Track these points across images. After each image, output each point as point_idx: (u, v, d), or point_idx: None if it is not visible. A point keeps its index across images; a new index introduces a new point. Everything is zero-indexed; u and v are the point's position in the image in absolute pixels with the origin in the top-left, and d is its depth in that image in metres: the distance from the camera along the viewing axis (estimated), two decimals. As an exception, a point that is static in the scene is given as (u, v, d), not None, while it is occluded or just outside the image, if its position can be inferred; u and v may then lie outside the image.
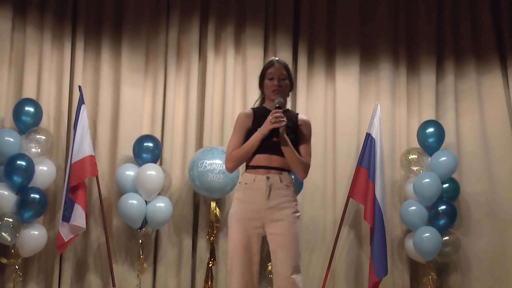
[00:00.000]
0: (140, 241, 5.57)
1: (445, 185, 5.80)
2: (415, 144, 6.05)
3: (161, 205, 5.49)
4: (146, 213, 5.47)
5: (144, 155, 5.60)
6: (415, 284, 6.00)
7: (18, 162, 5.20)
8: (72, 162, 5.32)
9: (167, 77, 5.96)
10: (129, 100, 5.86)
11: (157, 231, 5.72)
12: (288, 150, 3.40)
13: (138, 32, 5.98)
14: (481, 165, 6.11)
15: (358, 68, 6.23)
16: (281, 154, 3.41)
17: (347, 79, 6.20)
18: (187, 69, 6.00)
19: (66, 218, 5.27)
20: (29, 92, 5.63)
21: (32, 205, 5.22)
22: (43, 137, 5.43)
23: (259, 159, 3.43)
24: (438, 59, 6.32)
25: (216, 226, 5.63)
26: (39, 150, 5.40)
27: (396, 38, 6.35)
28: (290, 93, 5.92)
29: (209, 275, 5.56)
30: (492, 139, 6.14)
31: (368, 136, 5.73)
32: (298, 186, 5.65)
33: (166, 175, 5.61)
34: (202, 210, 5.81)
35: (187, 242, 5.74)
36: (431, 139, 5.89)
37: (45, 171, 5.40)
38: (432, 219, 5.71)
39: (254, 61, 5.97)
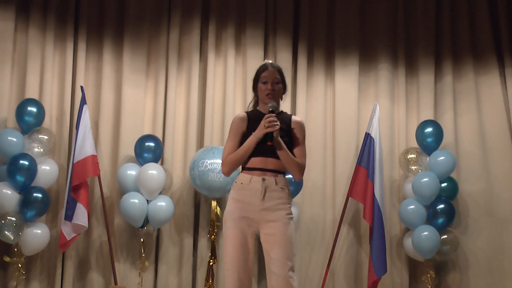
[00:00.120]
0: (142, 240, 5.59)
1: (444, 184, 5.83)
2: (414, 143, 6.08)
3: (162, 204, 5.52)
4: (148, 212, 5.50)
5: (146, 155, 5.63)
6: (414, 282, 6.03)
7: (21, 161, 5.23)
8: (74, 161, 5.36)
9: (168, 78, 5.99)
10: (130, 100, 5.90)
11: (159, 230, 5.75)
12: (283, 153, 3.43)
13: (140, 33, 6.01)
14: (479, 165, 6.15)
15: (357, 68, 6.26)
16: (276, 156, 3.44)
17: (346, 80, 6.24)
18: (188, 70, 6.03)
19: (69, 217, 5.30)
20: (31, 92, 5.66)
21: (34, 204, 5.26)
22: (46, 137, 5.46)
23: (255, 161, 3.46)
24: (436, 60, 6.35)
25: (217, 225, 5.65)
26: (41, 149, 5.43)
27: (395, 39, 6.38)
28: (290, 94, 6.11)
29: (210, 273, 5.59)
30: (490, 138, 6.17)
31: (367, 135, 5.75)
32: (297, 186, 5.71)
33: (167, 174, 5.64)
34: (203, 209, 5.84)
35: (188, 241, 5.77)
36: (430, 138, 5.92)
37: (47, 170, 5.43)
38: (430, 218, 5.73)
39: (255, 62, 5.98)
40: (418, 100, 6.30)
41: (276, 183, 3.45)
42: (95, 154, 5.48)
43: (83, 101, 5.52)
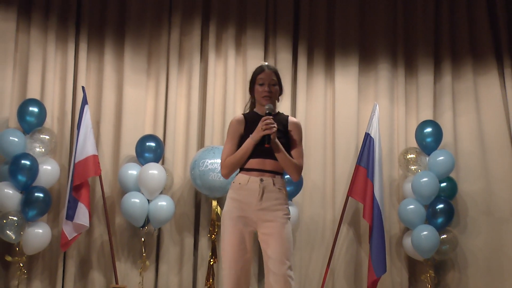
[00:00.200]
0: (143, 239, 5.61)
1: (443, 184, 5.84)
2: (413, 143, 6.11)
3: (163, 203, 5.53)
4: (149, 212, 5.52)
5: (147, 155, 5.65)
6: (413, 281, 6.04)
7: (23, 161, 5.25)
8: (76, 161, 5.37)
9: (169, 78, 6.01)
10: (131, 101, 5.91)
11: (159, 229, 5.77)
12: (280, 155, 3.46)
13: (141, 34, 6.03)
14: (478, 164, 6.17)
15: (357, 69, 6.28)
16: (274, 158, 3.47)
17: (346, 80, 6.26)
18: (188, 70, 6.05)
19: (70, 216, 5.31)
20: (33, 92, 5.69)
21: (36, 203, 5.27)
22: (47, 137, 5.48)
23: (253, 163, 3.49)
24: (435, 60, 6.38)
25: (217, 225, 5.65)
26: (43, 149, 5.45)
27: (395, 40, 6.40)
28: (290, 94, 6.14)
29: (211, 272, 5.60)
30: (489, 138, 6.20)
31: (367, 135, 5.77)
32: (298, 186, 5.73)
33: (168, 174, 5.66)
34: (203, 209, 5.86)
35: (189, 240, 5.79)
36: (429, 138, 5.94)
37: (49, 170, 5.45)
38: (430, 218, 5.75)
39: (255, 62, 5.94)
40: (417, 100, 6.32)
41: (274, 184, 3.48)
42: (96, 154, 5.49)
43: (85, 101, 5.54)
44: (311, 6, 6.34)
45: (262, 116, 3.47)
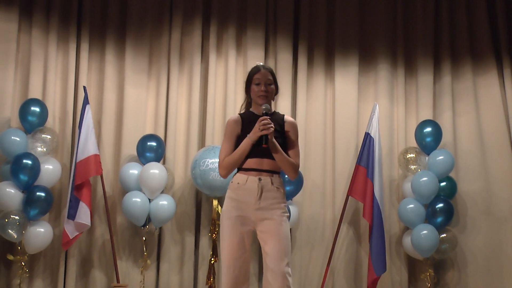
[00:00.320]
0: (144, 238, 5.63)
1: (442, 184, 5.86)
2: (413, 143, 6.13)
3: (164, 203, 5.55)
4: (150, 211, 5.54)
5: (148, 154, 5.67)
6: (413, 280, 6.07)
7: (24, 161, 5.27)
8: (77, 161, 5.39)
9: (170, 78, 6.03)
10: (132, 101, 5.94)
11: (160, 228, 5.79)
12: (278, 154, 3.49)
13: (142, 34, 6.06)
14: (477, 164, 6.19)
15: (357, 69, 6.31)
16: (271, 157, 3.50)
17: (346, 80, 6.28)
18: (189, 70, 6.07)
19: (71, 215, 5.33)
20: (35, 92, 5.71)
21: (38, 203, 5.30)
22: (49, 137, 5.50)
23: (251, 162, 3.52)
24: (435, 60, 6.40)
25: (218, 224, 5.65)
26: (44, 149, 5.47)
27: (394, 40, 6.43)
28: (290, 94, 6.15)
29: (211, 271, 5.63)
30: (488, 138, 6.22)
31: (367, 135, 5.79)
32: (298, 185, 5.75)
33: (169, 173, 5.68)
34: (204, 208, 5.88)
35: (190, 240, 5.81)
36: (429, 138, 5.96)
37: (50, 169, 5.47)
38: (429, 217, 5.77)
39: (255, 62, 5.91)
40: (417, 100, 6.34)
41: (272, 183, 3.51)
42: (98, 153, 5.51)
43: (86, 101, 5.56)
44: (311, 6, 6.37)
45: (259, 116, 3.50)
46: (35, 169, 5.31)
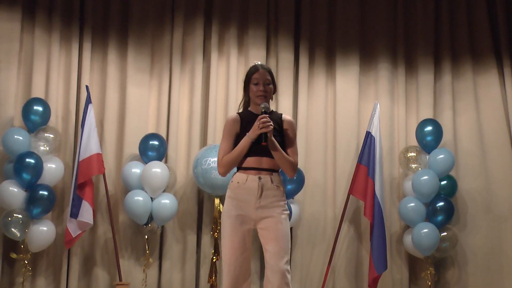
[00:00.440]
0: (146, 237, 5.65)
1: (443, 182, 5.88)
2: (414, 142, 6.15)
3: (166, 201, 5.58)
4: (152, 210, 5.56)
5: (150, 153, 5.69)
6: (413, 278, 6.08)
7: (27, 159, 5.29)
8: (80, 160, 5.41)
9: (172, 77, 6.05)
10: (135, 100, 5.96)
11: (162, 227, 5.81)
12: (277, 153, 3.51)
13: (144, 34, 6.08)
14: (477, 163, 6.21)
15: (357, 68, 6.32)
16: (270, 156, 3.52)
17: (347, 79, 6.30)
18: (191, 70, 6.10)
19: (74, 214, 5.35)
20: (37, 91, 5.73)
21: (40, 201, 5.32)
22: (52, 136, 5.53)
23: (250, 161, 3.54)
24: (435, 60, 6.42)
25: (220, 222, 5.65)
26: (47, 148, 5.49)
27: (395, 39, 6.44)
28: (291, 93, 6.17)
29: (213, 269, 5.65)
30: (488, 137, 6.24)
31: (368, 134, 5.81)
32: (299, 184, 5.77)
33: (171, 172, 5.70)
34: (206, 207, 5.90)
35: (192, 238, 5.84)
36: (429, 137, 5.98)
37: (53, 168, 5.49)
38: (430, 216, 5.79)
39: (256, 62, 6.03)
40: (417, 99, 6.36)
41: (272, 182, 3.53)
42: (100, 152, 5.54)
43: (88, 100, 5.58)
44: (312, 6, 6.39)
45: (257, 115, 3.51)
46: (38, 168, 5.33)
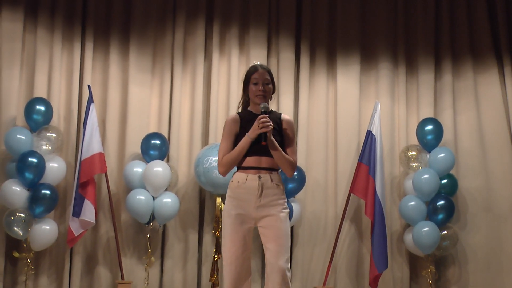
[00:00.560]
0: (148, 236, 5.67)
1: (443, 181, 5.89)
2: (414, 141, 6.16)
3: (168, 200, 5.59)
4: (154, 209, 5.57)
5: (152, 152, 5.70)
6: (414, 277, 6.10)
7: (30, 159, 5.31)
8: (82, 159, 5.43)
9: (173, 77, 6.07)
10: (136, 99, 5.97)
11: (164, 225, 5.82)
12: (276, 152, 3.54)
13: (145, 34, 6.09)
14: (478, 162, 6.22)
15: (358, 67, 6.34)
16: (269, 155, 3.55)
17: (348, 79, 6.32)
18: (193, 69, 6.11)
19: (76, 213, 5.36)
20: (40, 91, 5.74)
21: (43, 200, 5.33)
22: (54, 135, 5.55)
23: (250, 160, 3.56)
24: (436, 59, 6.43)
25: (221, 221, 5.69)
26: (49, 147, 5.51)
27: (395, 39, 6.46)
28: (292, 92, 6.19)
29: (215, 268, 5.66)
30: (488, 136, 6.25)
31: (369, 133, 5.82)
32: (300, 183, 5.79)
33: (172, 171, 5.71)
34: (207, 206, 5.91)
35: (193, 237, 5.85)
36: (430, 136, 5.99)
37: (55, 167, 5.51)
38: (430, 214, 5.81)
39: (258, 61, 6.04)
40: (418, 98, 6.37)
41: (272, 180, 3.55)
42: (102, 151, 5.55)
43: (90, 100, 5.60)
44: (313, 6, 6.40)
45: (257, 115, 3.53)
46: (40, 167, 5.34)
